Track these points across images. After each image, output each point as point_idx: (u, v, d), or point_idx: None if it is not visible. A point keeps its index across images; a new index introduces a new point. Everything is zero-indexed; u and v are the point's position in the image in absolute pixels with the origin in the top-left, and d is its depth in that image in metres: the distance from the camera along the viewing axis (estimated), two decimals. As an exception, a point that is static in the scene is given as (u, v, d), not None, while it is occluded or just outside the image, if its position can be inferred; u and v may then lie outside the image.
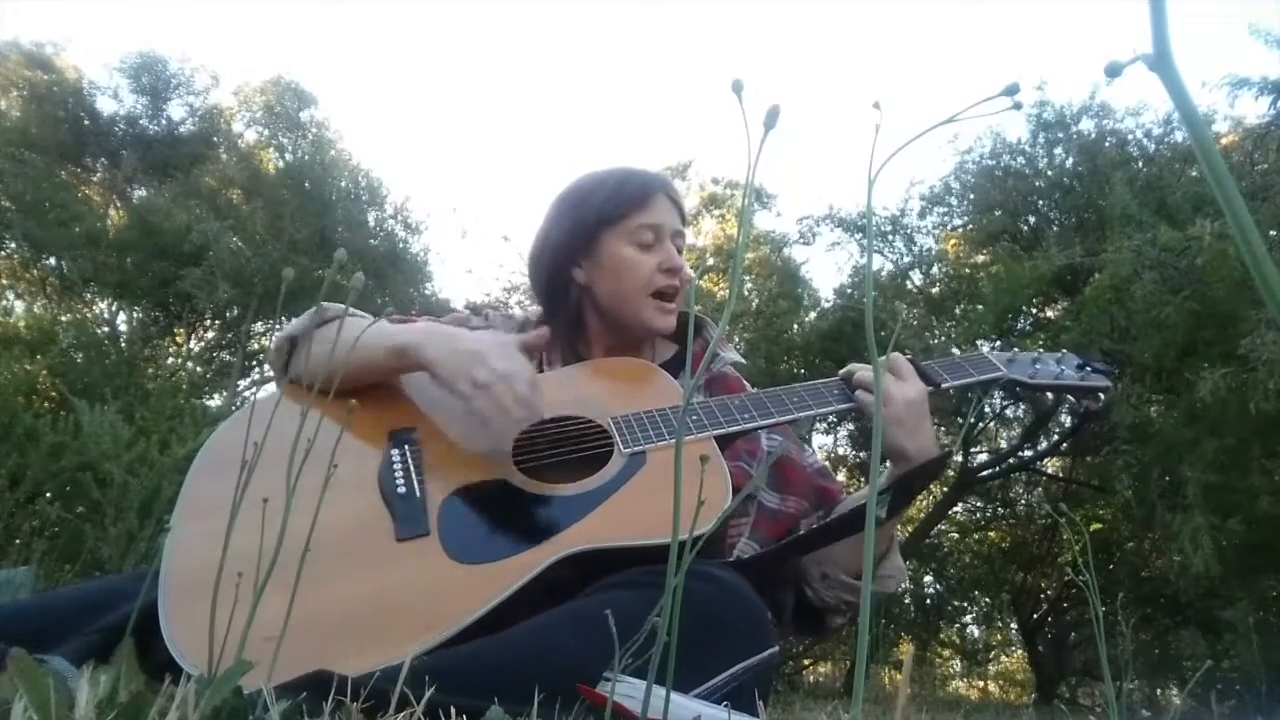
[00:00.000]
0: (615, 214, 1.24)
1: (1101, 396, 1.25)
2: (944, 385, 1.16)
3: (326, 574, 0.85)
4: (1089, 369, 1.24)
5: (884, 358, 1.14)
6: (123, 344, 10.31)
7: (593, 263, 1.26)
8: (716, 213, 10.89)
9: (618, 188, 1.26)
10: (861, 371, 1.15)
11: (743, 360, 1.37)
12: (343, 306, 1.13)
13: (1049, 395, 1.26)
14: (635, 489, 0.98)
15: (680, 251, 1.28)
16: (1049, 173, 8.48)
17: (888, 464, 1.13)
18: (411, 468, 1.00)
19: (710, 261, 10.11)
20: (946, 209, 9.19)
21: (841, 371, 1.17)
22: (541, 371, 1.26)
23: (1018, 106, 0.43)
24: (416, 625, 0.82)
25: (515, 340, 1.06)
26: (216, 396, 10.74)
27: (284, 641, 0.61)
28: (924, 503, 11.35)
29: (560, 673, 0.72)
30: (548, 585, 0.87)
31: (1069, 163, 8.35)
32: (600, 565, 0.88)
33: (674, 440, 1.02)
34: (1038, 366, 1.23)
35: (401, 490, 0.97)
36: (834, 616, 1.19)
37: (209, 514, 0.91)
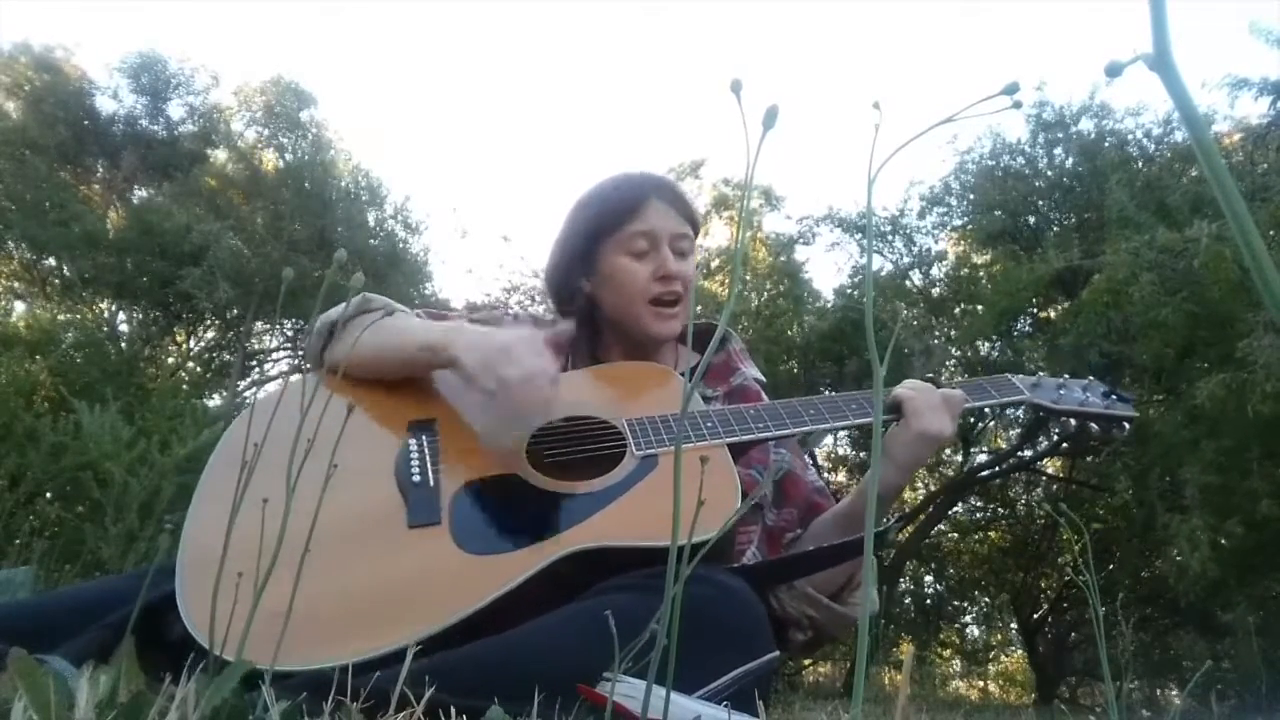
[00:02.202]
0: (609, 225, 1.25)
1: (1127, 426, 1.24)
2: (967, 405, 1.17)
3: (338, 556, 0.88)
4: (1115, 397, 1.24)
5: (908, 382, 1.15)
6: (123, 344, 10.31)
7: (594, 274, 1.27)
8: (726, 214, 10.86)
9: (608, 197, 1.27)
10: (903, 390, 1.15)
11: (763, 377, 1.36)
12: (385, 300, 1.21)
13: (1073, 422, 1.25)
14: (645, 490, 0.99)
15: (686, 254, 1.26)
16: (1049, 173, 8.48)
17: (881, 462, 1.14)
18: (428, 458, 1.02)
19: (716, 263, 10.09)
20: (946, 209, 9.18)
21: (892, 391, 1.17)
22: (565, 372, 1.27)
23: (1017, 106, 0.43)
24: (422, 611, 0.84)
25: (541, 336, 1.06)
26: (216, 396, 10.74)
27: (294, 622, 0.62)
28: (924, 503, 11.36)
29: (560, 674, 0.72)
30: (553, 582, 0.87)
31: (1069, 163, 8.35)
32: (606, 564, 0.88)
33: (685, 444, 1.04)
34: (1062, 392, 1.23)
35: (416, 479, 0.99)
36: (794, 631, 1.16)
37: (229, 497, 0.92)
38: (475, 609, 0.83)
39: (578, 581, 0.87)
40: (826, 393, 1.24)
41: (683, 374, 1.27)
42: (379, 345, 1.10)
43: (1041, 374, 1.28)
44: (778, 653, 0.85)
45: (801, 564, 1.08)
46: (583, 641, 0.76)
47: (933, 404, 1.12)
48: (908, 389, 1.15)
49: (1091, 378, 1.29)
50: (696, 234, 1.31)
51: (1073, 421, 1.25)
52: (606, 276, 1.25)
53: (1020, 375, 1.26)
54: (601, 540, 0.91)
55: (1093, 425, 1.24)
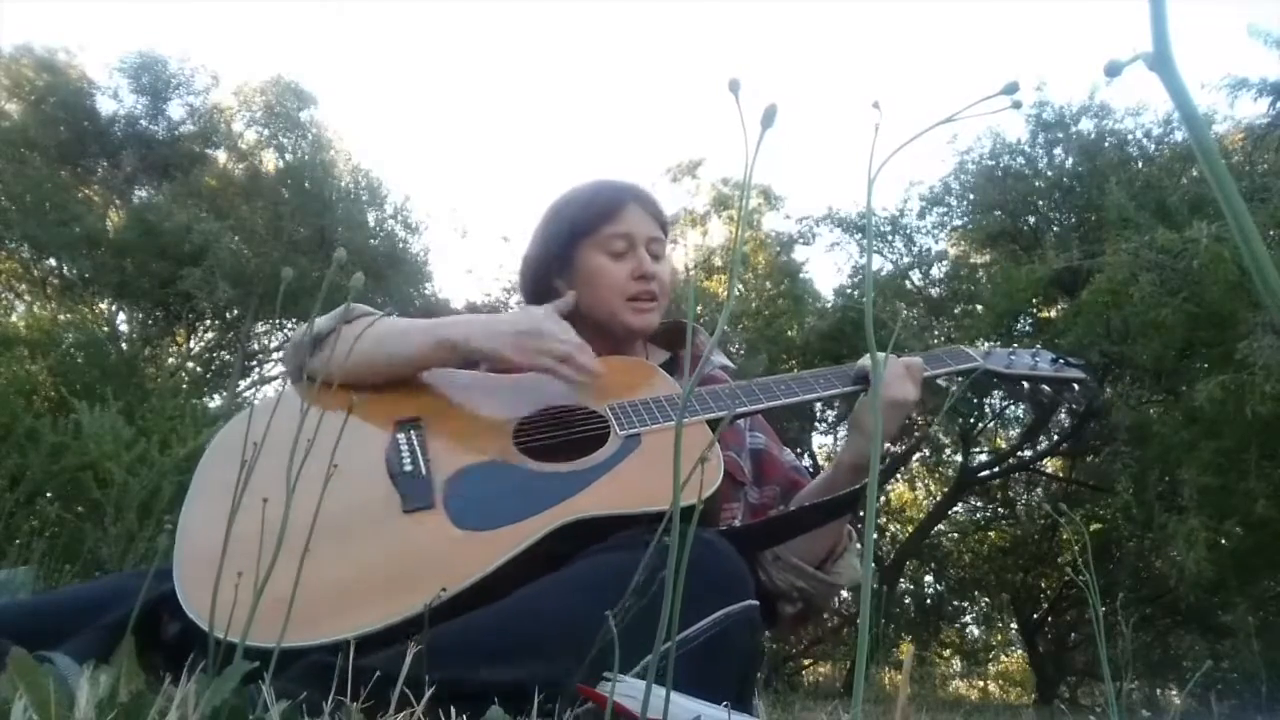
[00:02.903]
0: (587, 226, 1.31)
1: (1076, 387, 1.32)
2: (925, 374, 1.23)
3: (337, 544, 0.90)
4: (1063, 362, 1.32)
5: (884, 354, 1.20)
6: (123, 344, 10.31)
7: (570, 273, 1.33)
8: (725, 214, 10.85)
9: (589, 201, 1.34)
10: (868, 362, 1.22)
11: (732, 365, 1.44)
12: (366, 309, 1.27)
13: (1024, 384, 1.33)
14: (631, 466, 1.03)
15: (658, 257, 1.34)
16: (1049, 173, 8.48)
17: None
18: (417, 450, 1.06)
19: (717, 262, 10.09)
20: (946, 209, 9.19)
21: (855, 369, 1.25)
22: None
23: (1017, 106, 0.43)
24: (423, 584, 0.85)
25: (550, 307, 1.17)
26: (216, 396, 10.75)
27: (296, 604, 0.63)
28: (925, 502, 11.36)
29: (552, 634, 0.75)
30: (547, 554, 0.90)
31: (1069, 163, 8.35)
32: (597, 534, 0.92)
33: (667, 423, 1.10)
34: (1013, 358, 1.32)
35: (408, 469, 1.02)
36: (784, 604, 1.21)
37: (224, 494, 0.94)
38: (476, 579, 0.85)
39: (571, 552, 0.90)
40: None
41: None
42: (377, 348, 1.15)
43: (994, 345, 1.36)
44: (756, 601, 0.88)
45: (784, 526, 1.13)
46: (573, 601, 0.79)
47: (898, 373, 1.18)
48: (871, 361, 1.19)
49: (1039, 345, 1.37)
50: (666, 238, 1.38)
51: (1026, 385, 1.32)
52: (585, 275, 1.31)
53: (973, 346, 1.34)
54: (593, 511, 0.95)
55: (1044, 387, 1.32)
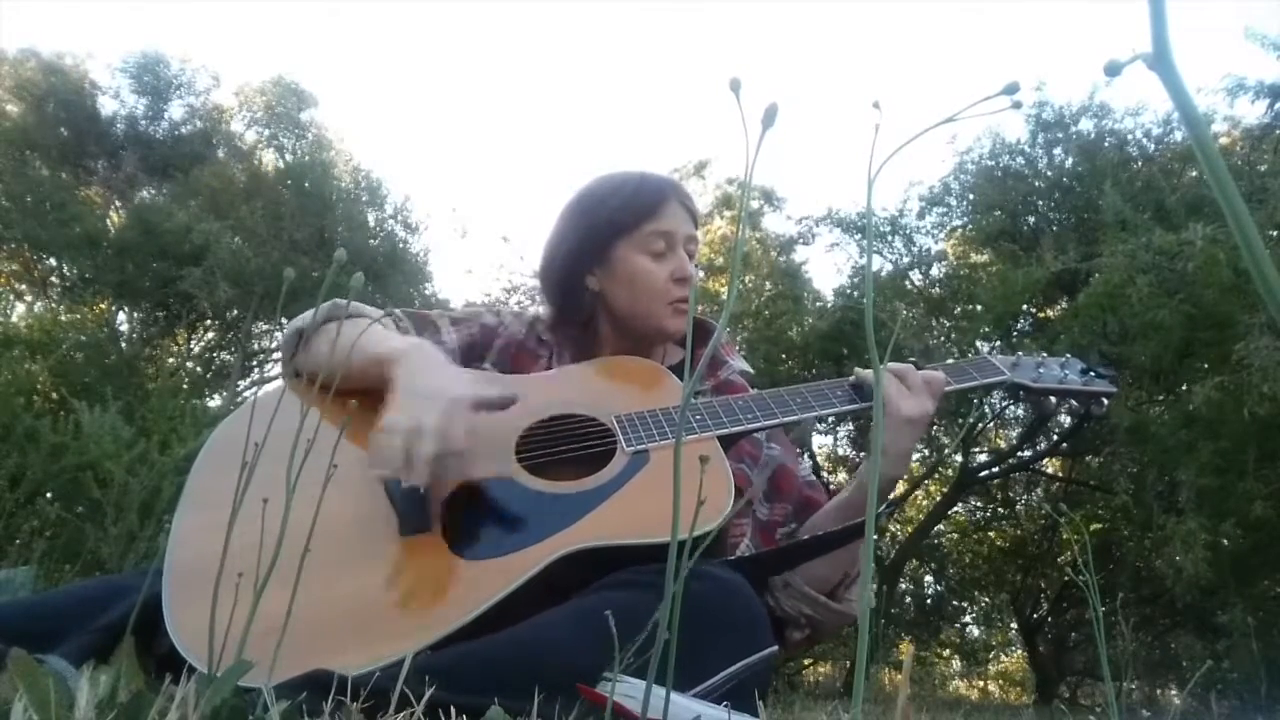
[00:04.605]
0: (628, 222, 1.24)
1: (1105, 402, 1.24)
2: (948, 388, 1.17)
3: (329, 568, 0.85)
4: (1093, 374, 1.24)
5: (885, 364, 1.16)
6: (123, 344, 10.32)
7: (605, 270, 1.26)
8: (727, 214, 10.85)
9: (631, 196, 1.26)
10: (884, 375, 1.15)
11: (750, 369, 1.37)
12: (356, 304, 1.17)
13: (1053, 400, 1.25)
14: (637, 487, 0.98)
15: (692, 257, 1.28)
16: (1048, 173, 8.47)
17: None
18: None
19: (718, 262, 10.09)
20: (946, 209, 9.17)
21: (851, 378, 1.18)
22: (550, 369, 1.27)
23: (1017, 106, 0.43)
24: (419, 620, 0.83)
25: (474, 400, 0.99)
26: (216, 397, 10.74)
27: (287, 636, 0.61)
28: (924, 502, 11.36)
29: (558, 670, 0.72)
30: (550, 583, 0.87)
31: (1068, 163, 8.34)
32: (602, 563, 0.88)
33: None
34: (1041, 370, 1.23)
35: (405, 486, 0.97)
36: (792, 630, 1.17)
37: (211, 508, 0.92)
38: (474, 616, 0.82)
39: (575, 581, 0.87)
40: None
41: (670, 369, 1.27)
42: (343, 354, 1.05)
43: (1020, 353, 1.27)
44: (776, 647, 0.85)
45: (797, 553, 1.09)
46: (585, 638, 0.76)
47: (914, 386, 1.13)
48: (889, 374, 1.15)
49: (1069, 355, 1.28)
50: (698, 235, 1.32)
51: (1054, 399, 1.24)
52: (619, 273, 1.25)
53: (1000, 355, 1.26)
54: (597, 540, 0.90)
55: (1072, 401, 1.25)
